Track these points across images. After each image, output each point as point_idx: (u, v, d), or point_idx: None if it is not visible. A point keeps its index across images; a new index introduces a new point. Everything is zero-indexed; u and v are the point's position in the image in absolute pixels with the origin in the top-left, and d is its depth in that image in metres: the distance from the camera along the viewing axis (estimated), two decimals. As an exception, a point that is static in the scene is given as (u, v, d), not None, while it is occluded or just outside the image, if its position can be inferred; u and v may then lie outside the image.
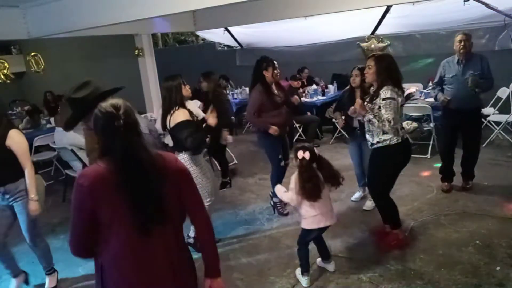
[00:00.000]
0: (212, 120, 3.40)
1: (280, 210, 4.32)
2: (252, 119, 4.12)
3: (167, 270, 1.69)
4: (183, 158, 3.34)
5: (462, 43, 4.04)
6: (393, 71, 3.18)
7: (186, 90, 3.37)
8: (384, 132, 3.18)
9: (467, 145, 4.35)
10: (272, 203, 4.37)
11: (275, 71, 3.98)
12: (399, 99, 3.17)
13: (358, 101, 3.32)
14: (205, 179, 3.43)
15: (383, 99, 3.10)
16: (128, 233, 1.60)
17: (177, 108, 3.28)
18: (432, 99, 5.49)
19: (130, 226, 1.59)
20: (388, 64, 3.18)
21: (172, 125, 3.27)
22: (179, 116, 3.25)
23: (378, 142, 3.25)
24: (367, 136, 3.37)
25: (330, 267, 3.18)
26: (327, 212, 2.93)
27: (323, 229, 3.00)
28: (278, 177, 4.17)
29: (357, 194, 4.50)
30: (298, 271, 3.15)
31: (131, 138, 1.62)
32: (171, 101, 3.30)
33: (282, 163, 4.21)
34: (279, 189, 3.13)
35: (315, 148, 2.97)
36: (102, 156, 1.64)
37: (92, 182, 1.57)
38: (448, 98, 4.12)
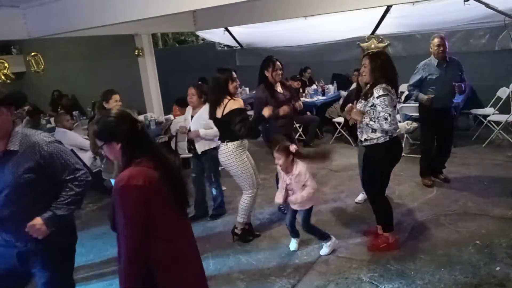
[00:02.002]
0: (266, 111, 3.60)
1: (283, 209, 4.30)
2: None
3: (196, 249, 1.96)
4: (227, 148, 3.53)
5: (441, 48, 4.27)
6: (387, 68, 3.16)
7: (234, 87, 3.53)
8: (373, 131, 3.19)
9: (446, 140, 4.65)
10: None
11: (274, 73, 4.01)
12: (393, 97, 3.14)
13: (352, 107, 3.37)
14: (244, 171, 3.56)
15: (377, 97, 3.10)
16: (173, 220, 1.82)
17: (229, 98, 3.47)
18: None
19: (174, 214, 1.81)
20: (382, 62, 3.16)
21: (225, 112, 3.45)
22: (235, 104, 3.45)
23: (366, 140, 3.26)
24: (358, 132, 3.37)
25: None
26: None
27: None
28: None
29: (360, 196, 4.44)
30: (325, 247, 3.42)
31: (151, 139, 1.89)
32: (219, 93, 3.48)
33: None
34: (297, 197, 3.24)
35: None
36: (131, 161, 1.75)
37: (146, 181, 1.69)
38: (432, 96, 4.31)
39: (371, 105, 3.15)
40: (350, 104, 3.46)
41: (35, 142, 2.03)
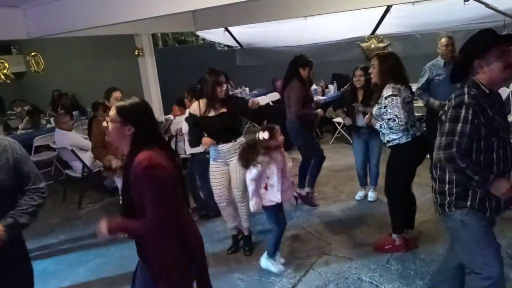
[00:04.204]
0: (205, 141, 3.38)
1: (311, 200, 4.43)
2: (301, 111, 4.17)
3: None
4: None
5: (449, 48, 4.22)
6: (396, 70, 3.14)
7: (220, 91, 3.24)
8: (393, 132, 3.13)
9: None
10: (298, 194, 4.42)
11: (310, 72, 4.18)
12: (404, 95, 3.07)
13: (368, 117, 3.40)
14: (212, 181, 3.48)
15: (386, 98, 3.08)
16: (183, 198, 2.01)
17: (195, 100, 3.46)
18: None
19: (182, 193, 1.99)
20: (391, 63, 3.15)
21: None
22: (192, 107, 3.41)
23: (388, 142, 3.22)
24: (380, 135, 3.33)
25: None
26: None
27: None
28: (319, 168, 4.44)
29: (361, 193, 4.47)
30: (271, 264, 3.22)
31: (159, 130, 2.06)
32: (201, 92, 3.40)
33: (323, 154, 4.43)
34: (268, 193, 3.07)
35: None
36: (141, 147, 1.83)
37: (167, 163, 1.84)
38: (445, 104, 4.16)
39: (384, 107, 3.11)
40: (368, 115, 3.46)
41: (7, 145, 1.94)
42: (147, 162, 1.76)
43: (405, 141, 3.13)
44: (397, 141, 3.16)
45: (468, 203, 2.07)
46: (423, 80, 4.39)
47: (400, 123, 3.03)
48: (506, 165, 2.05)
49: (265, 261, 3.25)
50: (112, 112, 1.89)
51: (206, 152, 4.18)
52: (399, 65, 3.17)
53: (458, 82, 2.13)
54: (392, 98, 3.04)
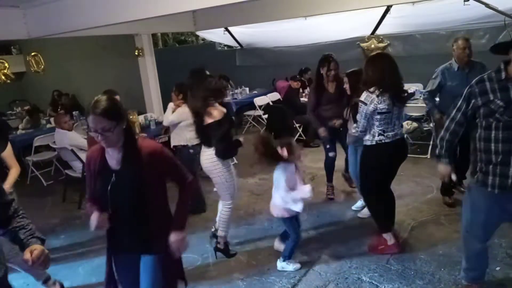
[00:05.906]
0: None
1: (329, 194, 4.57)
2: (310, 114, 4.46)
3: None
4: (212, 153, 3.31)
5: (467, 51, 3.87)
6: (376, 74, 3.04)
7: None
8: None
9: (464, 149, 4.37)
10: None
11: (328, 72, 4.19)
12: (379, 106, 3.01)
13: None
14: (228, 179, 3.36)
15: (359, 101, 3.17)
16: None
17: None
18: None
19: None
20: (374, 67, 3.08)
21: None
22: None
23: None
24: None
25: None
26: None
27: None
28: (328, 165, 4.57)
29: (359, 203, 4.32)
30: (287, 264, 3.25)
31: None
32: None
33: (331, 154, 4.46)
34: (303, 191, 3.09)
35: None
36: (133, 133, 2.04)
37: None
38: (443, 117, 4.05)
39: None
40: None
41: None
42: (160, 146, 2.03)
43: (369, 144, 3.20)
44: (364, 142, 3.26)
45: (475, 176, 2.37)
46: (435, 82, 4.10)
47: (359, 130, 3.18)
48: (507, 145, 2.19)
49: (280, 264, 3.27)
50: (102, 123, 1.79)
51: (189, 147, 4.22)
52: (382, 68, 3.05)
53: (495, 54, 2.26)
54: (361, 105, 3.11)
